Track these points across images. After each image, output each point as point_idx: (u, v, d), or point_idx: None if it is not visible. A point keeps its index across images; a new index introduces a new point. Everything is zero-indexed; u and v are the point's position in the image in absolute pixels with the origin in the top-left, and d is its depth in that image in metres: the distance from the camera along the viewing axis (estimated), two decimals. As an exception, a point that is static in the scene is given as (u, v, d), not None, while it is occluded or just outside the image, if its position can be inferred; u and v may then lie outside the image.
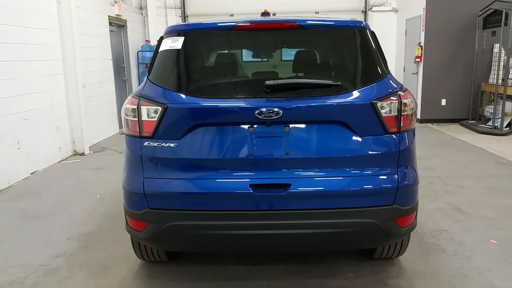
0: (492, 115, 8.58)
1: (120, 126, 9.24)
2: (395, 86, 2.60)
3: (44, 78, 6.31)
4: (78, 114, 7.05)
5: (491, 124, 8.56)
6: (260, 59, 3.42)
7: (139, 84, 10.24)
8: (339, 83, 2.57)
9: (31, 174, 5.92)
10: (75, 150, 7.15)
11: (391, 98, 2.54)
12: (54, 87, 6.59)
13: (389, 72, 2.68)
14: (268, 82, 2.49)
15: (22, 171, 5.74)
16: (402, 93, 2.58)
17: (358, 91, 2.55)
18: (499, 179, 5.41)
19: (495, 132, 8.27)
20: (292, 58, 3.05)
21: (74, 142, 7.12)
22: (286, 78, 2.86)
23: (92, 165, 6.52)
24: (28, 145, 5.88)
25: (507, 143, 7.52)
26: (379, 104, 2.51)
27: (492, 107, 8.59)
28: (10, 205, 4.80)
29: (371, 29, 2.79)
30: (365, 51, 2.70)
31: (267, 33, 2.77)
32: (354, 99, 2.53)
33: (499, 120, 8.33)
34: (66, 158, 6.90)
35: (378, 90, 2.55)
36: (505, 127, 8.33)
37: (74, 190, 5.27)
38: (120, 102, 9.27)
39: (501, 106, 8.32)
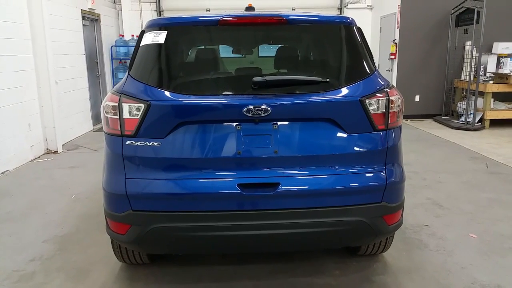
0: (464, 111, 8.78)
1: (94, 123, 8.99)
2: (382, 83, 2.59)
3: (14, 73, 6.04)
4: (50, 111, 6.79)
5: (463, 120, 8.77)
6: (243, 55, 3.34)
7: (113, 80, 9.99)
8: (328, 79, 2.54)
9: (1, 173, 5.67)
10: (48, 149, 6.90)
11: (379, 95, 2.52)
12: (25, 83, 6.32)
13: (376, 69, 2.67)
14: (256, 79, 2.43)
15: (-9, 171, 5.49)
16: (389, 90, 2.58)
17: (346, 88, 2.52)
18: (475, 174, 5.53)
19: (467, 127, 8.48)
20: (276, 54, 2.99)
21: (46, 140, 6.87)
22: (273, 75, 2.80)
23: (66, 163, 6.31)
24: (-2, 143, 5.63)
25: (479, 138, 7.72)
26: (367, 101, 2.49)
27: (465, 103, 8.80)
28: (-21, 206, 4.58)
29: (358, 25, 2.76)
30: (353, 48, 2.68)
31: (253, 28, 2.71)
32: (342, 96, 2.50)
33: (472, 115, 8.55)
34: (39, 157, 6.65)
35: (366, 87, 2.53)
36: (477, 122, 8.56)
37: (48, 190, 5.08)
38: (93, 98, 9.02)
39: (473, 102, 8.53)
